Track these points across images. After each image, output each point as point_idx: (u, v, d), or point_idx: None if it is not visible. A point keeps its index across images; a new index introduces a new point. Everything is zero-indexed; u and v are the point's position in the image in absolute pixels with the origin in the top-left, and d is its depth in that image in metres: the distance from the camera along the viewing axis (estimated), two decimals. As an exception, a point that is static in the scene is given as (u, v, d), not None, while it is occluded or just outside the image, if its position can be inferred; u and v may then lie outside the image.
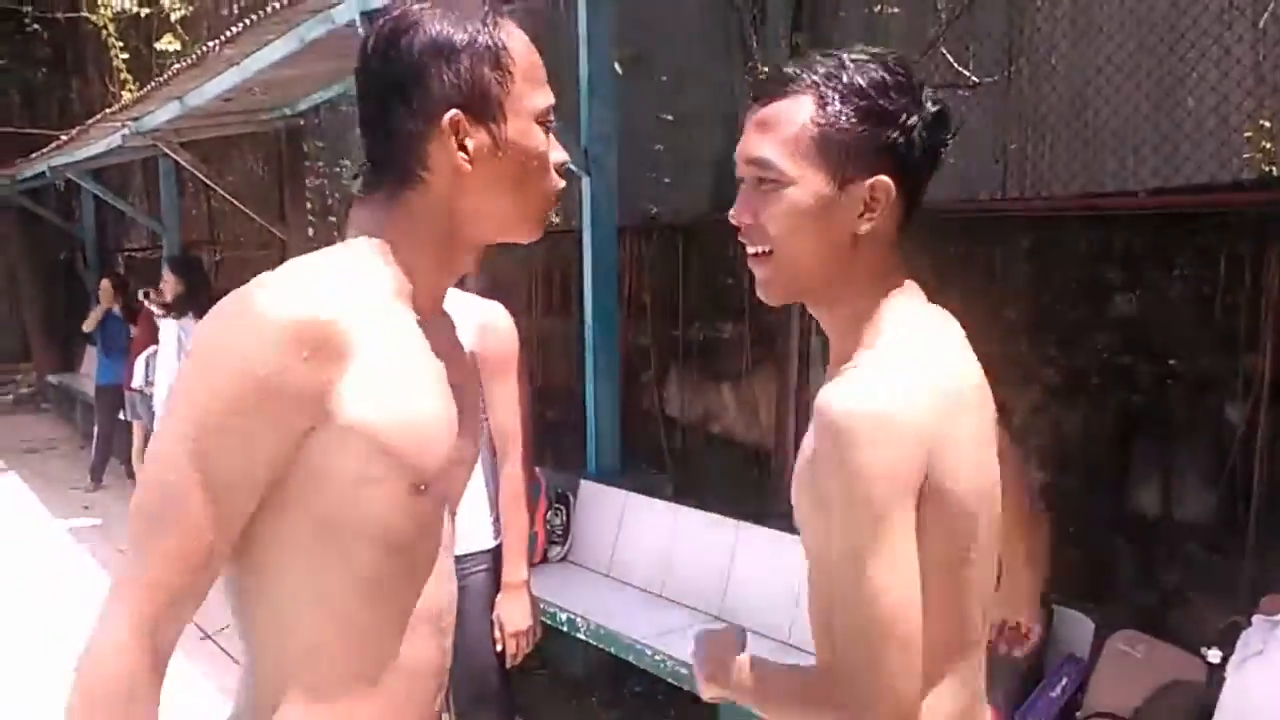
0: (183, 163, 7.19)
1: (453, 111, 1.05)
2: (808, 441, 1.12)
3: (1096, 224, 3.28)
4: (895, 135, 1.11)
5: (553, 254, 5.63)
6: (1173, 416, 3.13)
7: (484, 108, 1.07)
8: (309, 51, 4.81)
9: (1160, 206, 3.03)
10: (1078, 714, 2.55)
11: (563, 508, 4.33)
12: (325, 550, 1.04)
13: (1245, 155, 3.01)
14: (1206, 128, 3.01)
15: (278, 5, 4.17)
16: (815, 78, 1.12)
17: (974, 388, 1.20)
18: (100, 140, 7.54)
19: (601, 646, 3.58)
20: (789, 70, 1.15)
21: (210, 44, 4.94)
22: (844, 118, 1.10)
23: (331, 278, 1.04)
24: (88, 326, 8.22)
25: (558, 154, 1.14)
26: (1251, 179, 2.99)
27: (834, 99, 1.11)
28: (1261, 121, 2.98)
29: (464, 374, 1.22)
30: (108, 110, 6.80)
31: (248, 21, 4.48)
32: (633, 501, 4.22)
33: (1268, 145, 2.97)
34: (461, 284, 2.57)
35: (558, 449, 5.18)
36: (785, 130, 1.12)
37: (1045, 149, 3.60)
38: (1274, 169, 2.97)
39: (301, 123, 7.60)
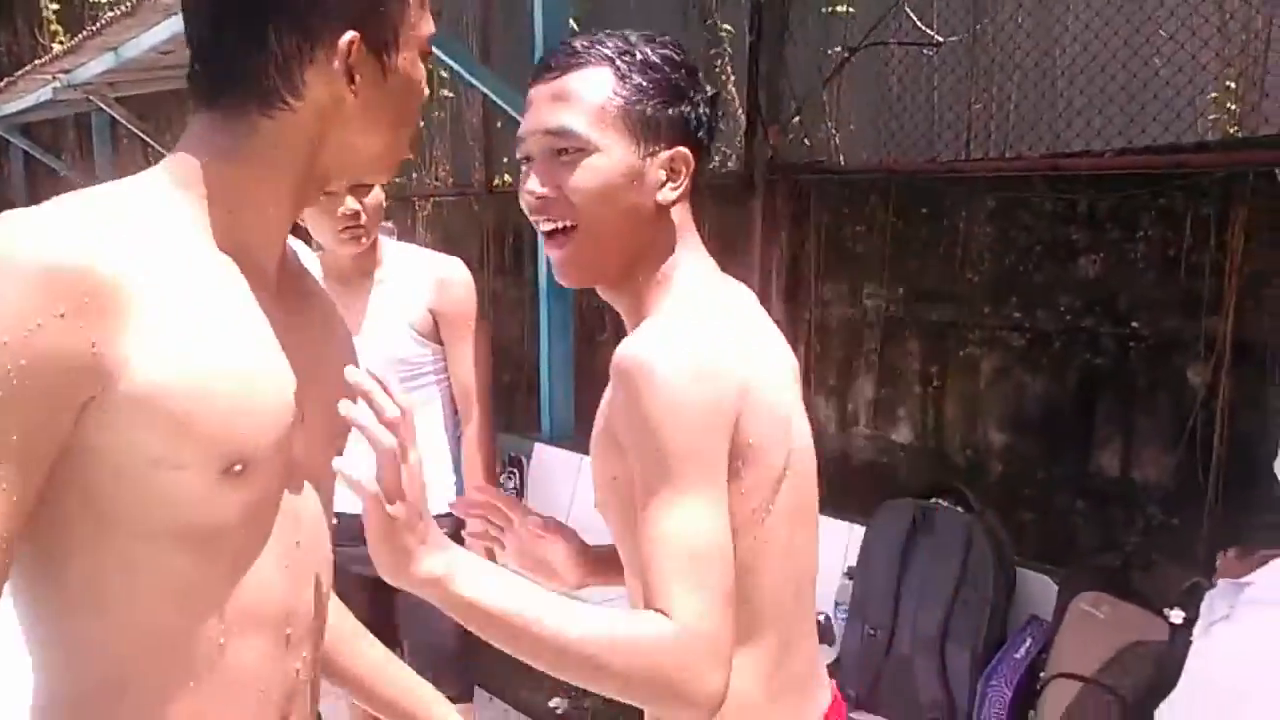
0: (118, 118, 6.92)
1: (350, 34, 0.88)
2: (606, 398, 1.14)
3: (1061, 185, 3.25)
4: (688, 110, 1.16)
5: (504, 213, 5.53)
6: (1135, 379, 3.13)
7: (381, 32, 0.91)
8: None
9: (1124, 168, 3.00)
10: (1041, 674, 2.55)
11: (515, 471, 4.26)
12: (111, 548, 0.83)
13: (1211, 117, 2.99)
14: (1174, 88, 2.98)
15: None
16: (608, 52, 1.14)
17: (783, 349, 1.23)
18: (30, 94, 7.23)
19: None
20: (577, 45, 1.16)
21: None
22: (644, 90, 1.13)
23: (112, 212, 0.83)
24: None
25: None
26: (1216, 140, 2.97)
27: (632, 73, 1.14)
28: (1227, 83, 2.96)
29: (319, 332, 1.06)
30: (37, 62, 6.51)
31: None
32: (586, 464, 4.15)
33: (1233, 106, 2.96)
34: (413, 240, 2.50)
35: (510, 411, 5.11)
36: (588, 101, 1.13)
37: (1010, 109, 3.57)
38: (1239, 130, 2.96)
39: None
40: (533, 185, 1.15)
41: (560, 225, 1.15)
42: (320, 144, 0.93)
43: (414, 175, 6.11)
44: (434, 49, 3.40)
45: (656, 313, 1.14)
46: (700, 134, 1.18)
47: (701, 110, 1.18)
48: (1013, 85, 3.52)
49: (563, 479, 4.17)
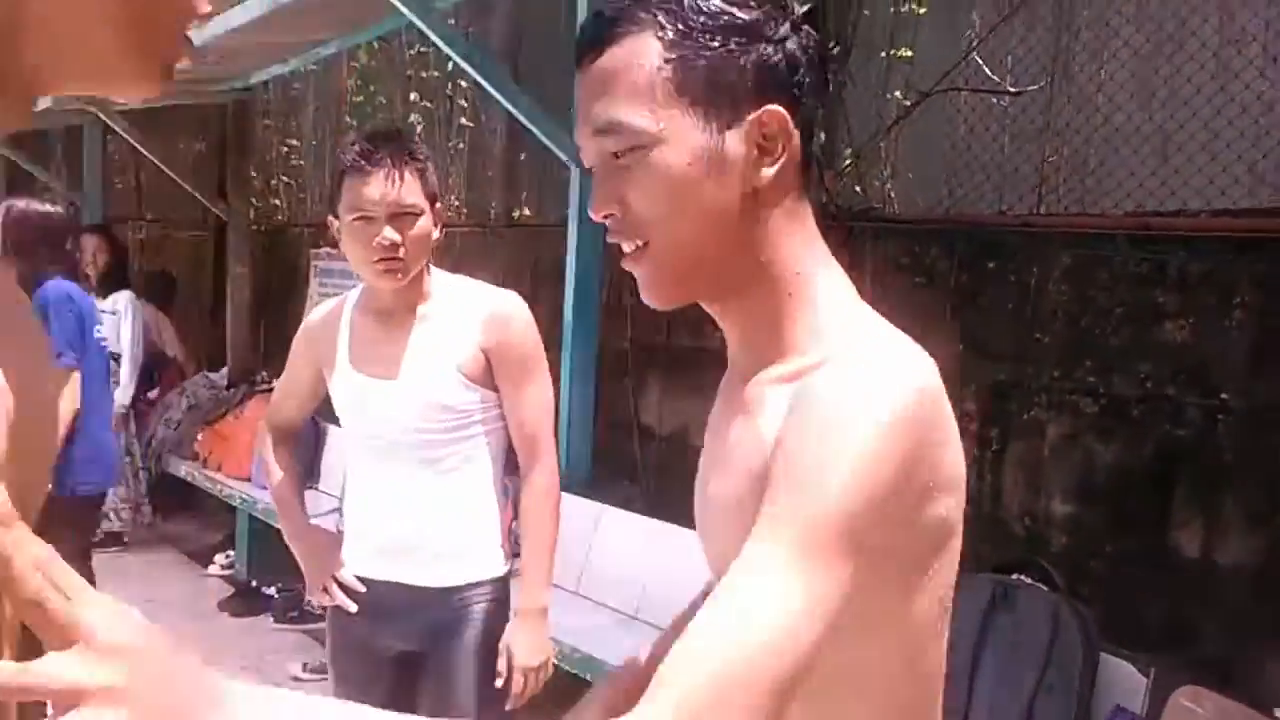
0: (117, 128, 6.69)
1: None
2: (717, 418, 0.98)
3: (1149, 245, 3.10)
4: (768, 50, 0.87)
5: (523, 247, 5.33)
6: (1221, 453, 2.94)
7: None
8: (277, 16, 4.46)
9: (1223, 230, 2.85)
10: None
11: None
12: None
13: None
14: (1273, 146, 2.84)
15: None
16: (644, 12, 0.87)
17: None
18: (25, 99, 6.96)
19: (572, 671, 3.28)
20: (609, 11, 0.89)
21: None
22: (700, 44, 0.86)
23: None
24: None
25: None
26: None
27: (679, 26, 0.86)
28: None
29: None
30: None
31: (216, -30, 4.07)
32: (607, 515, 3.96)
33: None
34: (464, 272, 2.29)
35: (524, 457, 4.86)
36: (629, 80, 0.86)
37: (1090, 163, 3.42)
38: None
39: (251, 98, 7.16)
40: (594, 205, 0.92)
41: (635, 244, 0.91)
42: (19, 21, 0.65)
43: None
44: (464, 65, 3.15)
45: (823, 346, 0.86)
46: (797, 78, 0.88)
47: (794, 45, 0.88)
48: (1097, 138, 3.38)
49: (579, 528, 3.93)
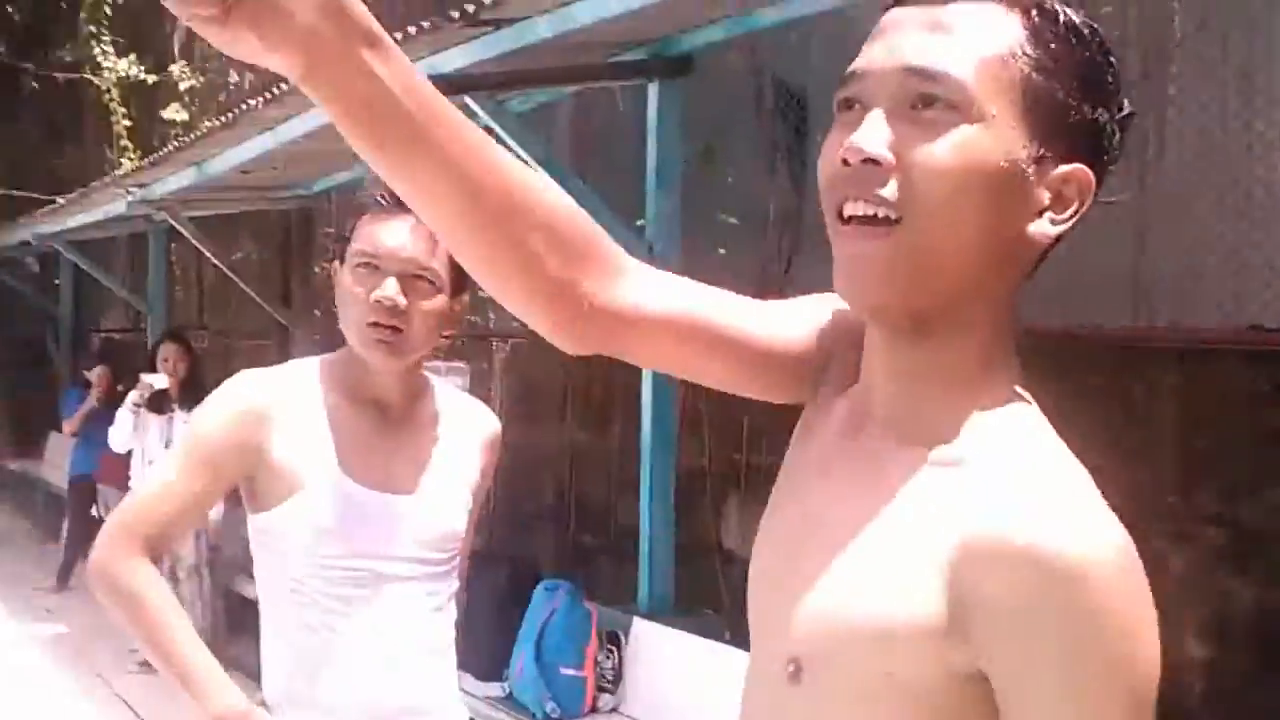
0: (187, 235, 6.75)
1: None
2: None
3: (1265, 361, 2.88)
4: (1106, 117, 0.79)
5: (594, 358, 5.18)
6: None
7: None
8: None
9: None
10: None
11: (614, 649, 3.87)
12: None
13: None
14: None
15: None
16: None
17: None
18: (99, 208, 7.09)
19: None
20: None
21: (252, 101, 4.53)
22: (1061, 66, 0.77)
23: None
24: (71, 429, 7.61)
25: None
26: None
27: (1052, 35, 0.78)
28: None
29: None
30: (116, 174, 6.39)
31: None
32: (693, 646, 3.73)
33: None
34: (489, 385, 2.03)
35: (597, 579, 4.71)
36: (982, 45, 0.76)
37: (1192, 273, 3.22)
38: None
39: (313, 204, 7.21)
40: (865, 138, 0.75)
41: (877, 212, 0.76)
42: None
43: (492, 314, 5.82)
44: (534, 166, 2.97)
45: (997, 432, 0.78)
46: (1108, 157, 0.81)
47: (1118, 126, 0.81)
48: (1195, 247, 3.19)
49: (665, 660, 3.77)
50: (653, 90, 3.91)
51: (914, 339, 0.81)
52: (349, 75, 0.71)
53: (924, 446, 0.79)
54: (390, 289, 1.60)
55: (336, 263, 1.70)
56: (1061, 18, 0.78)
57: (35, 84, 10.58)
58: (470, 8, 3.02)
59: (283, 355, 8.00)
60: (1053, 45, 0.77)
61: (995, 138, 0.75)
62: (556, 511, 5.43)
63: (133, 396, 5.50)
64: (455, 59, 3.38)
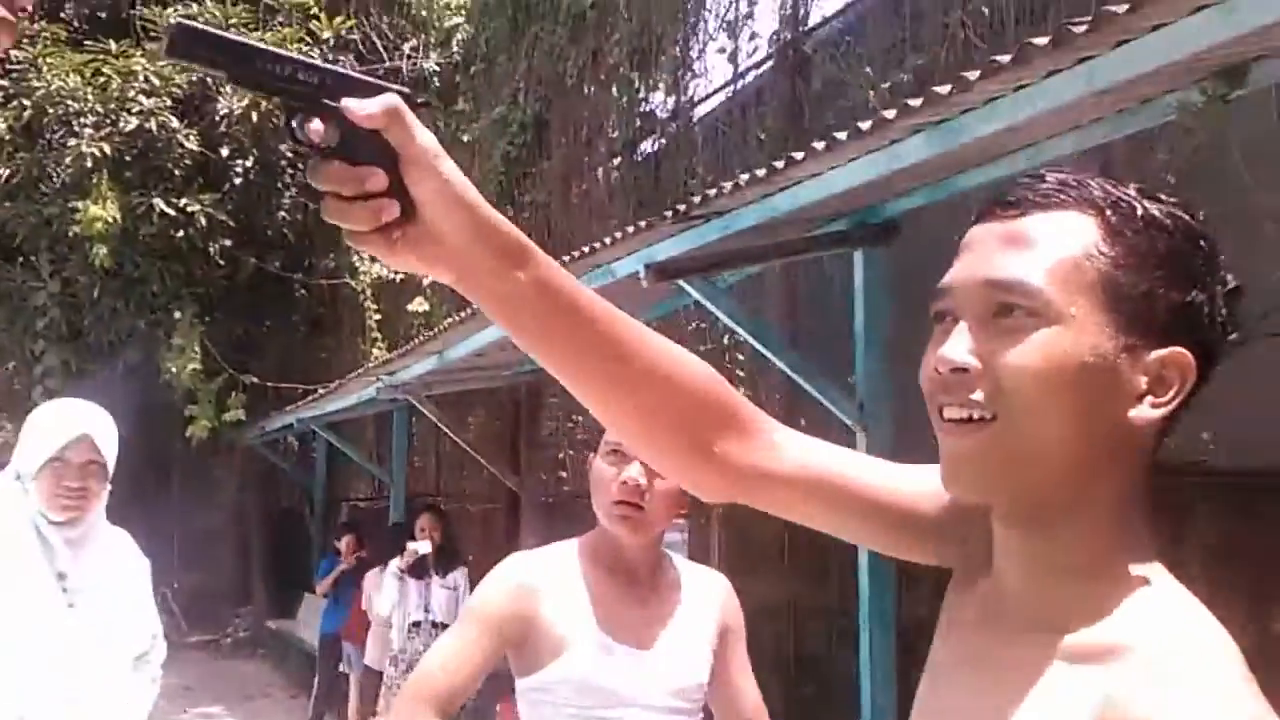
0: (427, 412, 7.40)
1: None
2: None
3: None
4: (1202, 298, 0.82)
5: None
6: None
7: None
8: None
9: None
10: None
11: None
12: None
13: None
14: None
15: (564, 260, 4.25)
16: (1095, 196, 0.83)
17: None
18: (353, 394, 7.90)
19: None
20: (1051, 179, 0.85)
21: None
22: (1141, 258, 0.81)
23: None
24: (322, 590, 8.26)
25: None
26: None
27: (1128, 229, 0.82)
28: None
29: None
30: (368, 365, 7.14)
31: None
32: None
33: None
34: (708, 540, 2.17)
35: (821, 732, 4.66)
36: (1057, 251, 0.81)
37: None
38: None
39: (540, 379, 7.77)
40: (952, 349, 0.81)
41: (971, 414, 0.81)
42: None
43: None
44: (736, 329, 3.19)
45: (1134, 615, 0.78)
46: (1211, 336, 0.83)
47: (1221, 301, 0.83)
48: None
49: None
50: (858, 257, 4.06)
51: (1033, 529, 0.83)
52: (491, 280, 0.85)
53: (1059, 637, 0.79)
54: (634, 471, 1.83)
55: (591, 454, 1.95)
56: (1140, 211, 0.82)
57: (303, 290, 12.01)
58: (681, 207, 3.40)
59: (512, 518, 8.49)
60: (1131, 240, 0.81)
61: (1077, 335, 0.79)
62: (776, 663, 5.48)
63: (397, 563, 5.85)
64: (669, 249, 3.74)
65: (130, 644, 2.59)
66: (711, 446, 0.95)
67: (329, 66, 0.81)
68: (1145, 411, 0.80)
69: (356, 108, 0.79)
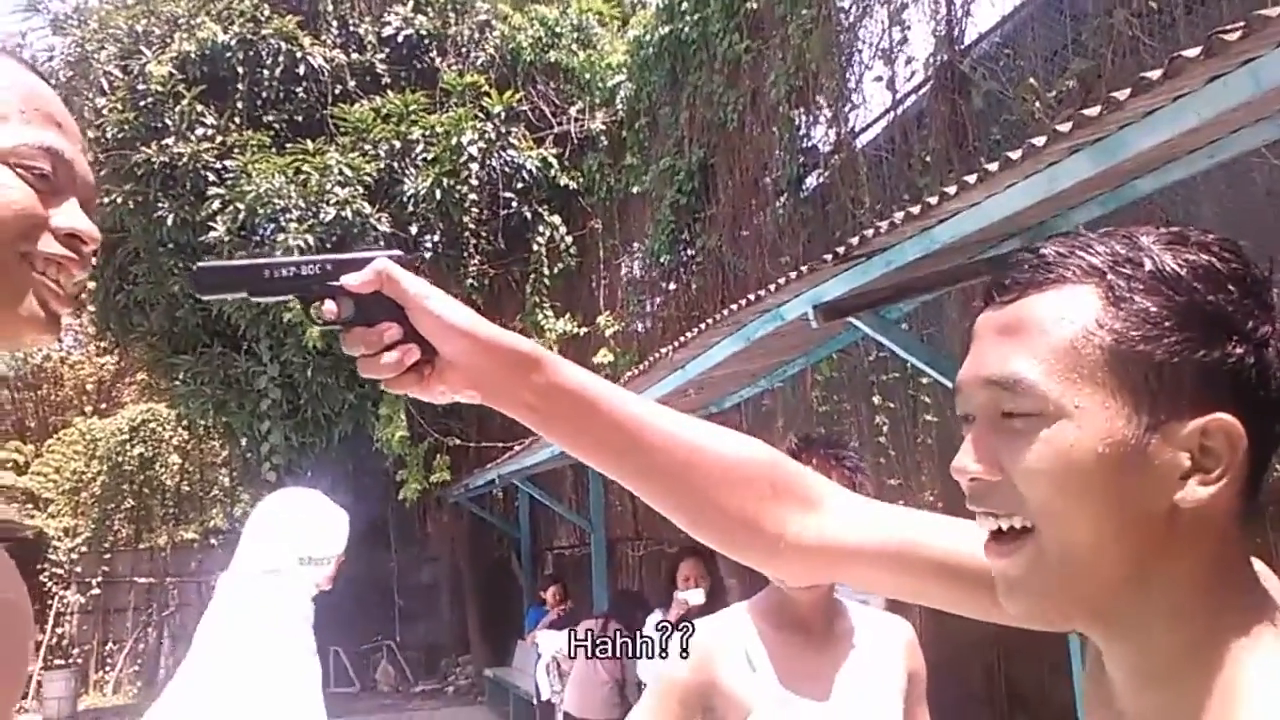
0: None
1: None
2: None
3: None
4: (1240, 351, 0.70)
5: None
6: None
7: None
8: (749, 350, 4.98)
9: None
10: None
11: None
12: None
13: None
14: None
15: (732, 309, 4.35)
16: (1095, 261, 0.73)
17: None
18: (549, 447, 8.21)
19: None
20: (1049, 251, 0.75)
21: (661, 351, 5.25)
22: (1153, 322, 0.70)
23: None
24: (532, 640, 8.54)
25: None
26: None
27: (1134, 292, 0.71)
28: None
29: None
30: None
31: (701, 326, 4.71)
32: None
33: None
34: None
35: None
36: (1050, 336, 0.72)
37: None
38: None
39: (726, 417, 7.87)
40: (962, 459, 0.76)
41: (1008, 526, 0.75)
42: None
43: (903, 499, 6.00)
44: (920, 365, 3.15)
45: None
46: (1263, 393, 0.71)
47: (1269, 354, 0.71)
48: None
49: None
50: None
51: (1113, 638, 0.76)
52: (510, 391, 0.91)
53: None
54: None
55: None
56: (1148, 265, 0.72)
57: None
58: (840, 249, 3.45)
59: (712, 557, 8.58)
60: (1139, 304, 0.71)
61: (1083, 427, 0.71)
62: (989, 696, 5.33)
63: (659, 618, 5.43)
64: (834, 289, 3.78)
65: None
66: (780, 528, 0.94)
67: (325, 256, 0.93)
68: (1194, 492, 0.70)
69: (352, 281, 0.89)
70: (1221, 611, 0.72)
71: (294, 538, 2.57)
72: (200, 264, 0.94)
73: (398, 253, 0.92)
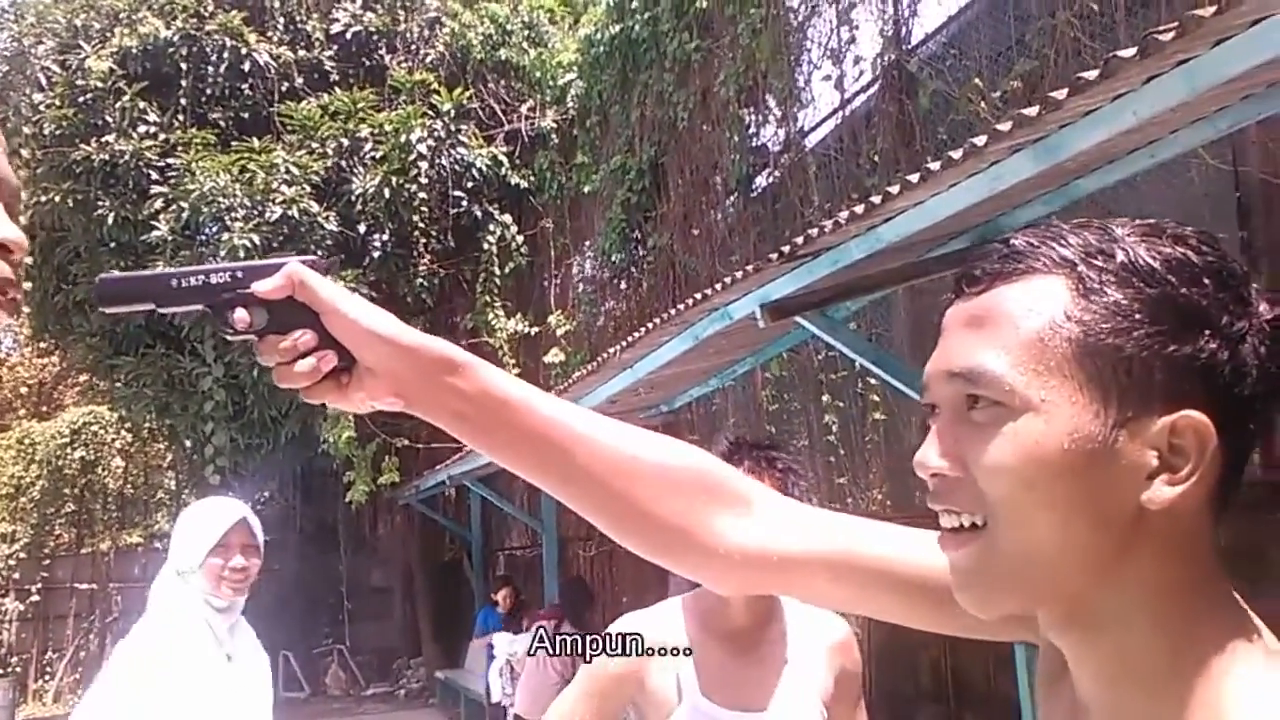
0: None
1: None
2: None
3: None
4: (1213, 347, 0.68)
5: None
6: None
7: None
8: (698, 349, 4.99)
9: None
10: None
11: None
12: None
13: None
14: None
15: (680, 308, 4.34)
16: (1066, 252, 0.71)
17: None
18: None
19: None
20: (1020, 241, 0.73)
21: (610, 350, 5.24)
22: (1124, 314, 0.68)
23: None
24: (484, 642, 8.53)
25: None
26: None
27: (1105, 284, 0.69)
28: None
29: None
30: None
31: (649, 326, 4.70)
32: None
33: None
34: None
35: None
36: (1018, 327, 0.70)
37: None
38: None
39: (676, 418, 7.87)
40: (925, 453, 0.74)
41: (962, 523, 0.73)
42: None
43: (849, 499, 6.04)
44: (871, 367, 3.20)
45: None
46: (1241, 389, 0.68)
47: (1247, 348, 0.69)
48: None
49: None
50: (976, 273, 4.08)
51: (1076, 638, 0.74)
52: (432, 396, 0.88)
53: None
54: None
55: None
56: (1120, 257, 0.70)
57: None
58: (786, 248, 3.45)
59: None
60: (1110, 296, 0.69)
61: (1049, 422, 0.69)
62: (935, 693, 5.38)
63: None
64: (781, 288, 3.79)
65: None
66: (714, 536, 0.91)
67: (234, 264, 0.89)
68: (1161, 492, 0.68)
69: (262, 287, 0.86)
70: (1197, 618, 0.70)
71: (171, 550, 2.60)
72: (103, 275, 0.89)
73: (310, 258, 0.89)
